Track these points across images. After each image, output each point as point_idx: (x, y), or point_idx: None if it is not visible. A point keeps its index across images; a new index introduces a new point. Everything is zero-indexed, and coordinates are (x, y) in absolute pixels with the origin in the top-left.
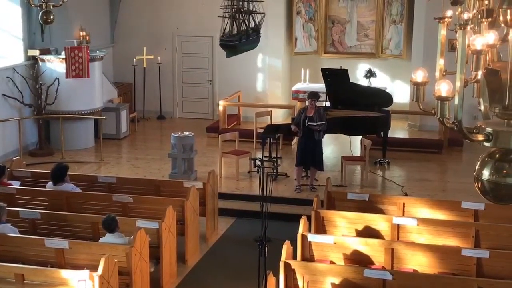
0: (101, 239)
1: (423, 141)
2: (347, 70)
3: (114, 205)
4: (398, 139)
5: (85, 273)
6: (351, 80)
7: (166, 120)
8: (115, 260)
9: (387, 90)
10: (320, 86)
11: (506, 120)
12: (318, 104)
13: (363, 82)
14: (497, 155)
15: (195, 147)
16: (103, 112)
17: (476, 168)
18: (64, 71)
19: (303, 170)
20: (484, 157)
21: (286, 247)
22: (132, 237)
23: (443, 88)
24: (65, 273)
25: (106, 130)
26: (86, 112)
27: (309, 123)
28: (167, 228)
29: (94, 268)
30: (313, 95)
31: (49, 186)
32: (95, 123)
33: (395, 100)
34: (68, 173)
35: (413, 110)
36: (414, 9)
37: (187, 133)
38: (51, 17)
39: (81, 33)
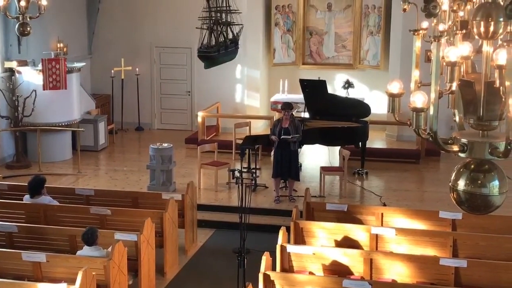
0: (79, 252)
1: (401, 151)
2: (325, 81)
3: (92, 217)
4: (376, 150)
5: (63, 286)
6: (329, 91)
7: (144, 132)
8: (93, 273)
9: (365, 101)
10: (298, 97)
11: (480, 131)
12: (297, 115)
13: (341, 93)
14: (472, 166)
15: (174, 159)
16: (80, 124)
17: (452, 178)
18: (41, 83)
19: (282, 181)
20: (460, 168)
21: (265, 258)
22: (110, 250)
23: (418, 99)
24: (42, 287)
25: (84, 142)
26: (63, 124)
27: (283, 136)
28: (145, 240)
29: (71, 281)
30: (287, 106)
31: (26, 199)
32: (72, 135)
33: (373, 110)
34: (45, 185)
35: (391, 121)
36: (391, 20)
37: (165, 144)
38: (28, 29)
39: (58, 44)
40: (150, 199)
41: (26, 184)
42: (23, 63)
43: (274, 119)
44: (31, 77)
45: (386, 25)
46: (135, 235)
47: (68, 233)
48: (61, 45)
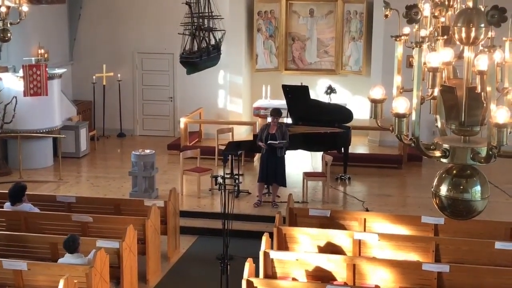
0: (60, 260)
1: (383, 157)
2: (307, 86)
3: (73, 225)
4: (359, 155)
5: None
6: (311, 97)
7: (126, 138)
8: (75, 281)
9: (347, 106)
10: (281, 102)
11: (462, 136)
12: (280, 120)
13: (324, 98)
14: (454, 171)
15: (156, 165)
16: (62, 131)
17: (434, 184)
18: (22, 89)
19: (265, 186)
20: (442, 173)
21: (248, 265)
22: (91, 257)
23: (400, 105)
24: None
25: (65, 149)
26: (44, 130)
27: (270, 141)
28: (127, 247)
29: None
30: (276, 113)
31: (7, 206)
32: (53, 142)
33: (355, 116)
34: (26, 193)
35: (373, 126)
36: (373, 26)
37: (147, 151)
38: (9, 35)
39: (39, 50)
40: (132, 206)
41: (7, 191)
42: (3, 69)
43: (257, 125)
44: (11, 83)
45: (368, 30)
46: (117, 242)
47: (50, 240)
48: (42, 51)
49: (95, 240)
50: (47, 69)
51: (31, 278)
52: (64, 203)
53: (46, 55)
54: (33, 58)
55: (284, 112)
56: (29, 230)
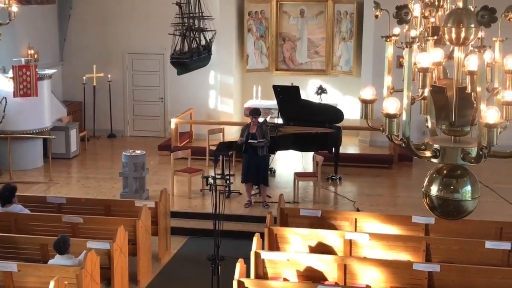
0: (50, 261)
1: (374, 157)
2: (298, 87)
3: (64, 226)
4: (350, 155)
5: None
6: (302, 97)
7: (117, 139)
8: (65, 282)
9: (338, 107)
10: (272, 103)
11: (452, 137)
12: (271, 121)
13: (314, 98)
14: (445, 171)
15: (147, 166)
16: (52, 131)
17: (424, 184)
18: (12, 90)
19: (256, 187)
20: (432, 173)
21: (239, 265)
22: (82, 258)
23: (390, 105)
24: None
25: (55, 150)
26: (34, 131)
27: (249, 141)
28: (118, 248)
29: None
30: (254, 112)
31: None
32: (44, 143)
33: (346, 116)
34: (16, 194)
35: (364, 126)
36: (363, 26)
37: (138, 151)
38: None
39: (29, 51)
40: (123, 206)
41: None
42: None
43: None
44: (1, 84)
45: (358, 31)
46: (107, 243)
47: (40, 242)
48: (32, 51)
49: (86, 241)
50: (37, 69)
51: (21, 280)
52: (54, 204)
53: (36, 56)
54: (23, 59)
55: (275, 113)
56: (19, 231)
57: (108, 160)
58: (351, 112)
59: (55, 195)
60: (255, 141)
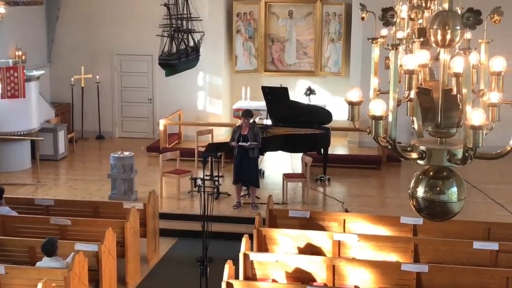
0: (38, 263)
1: (362, 158)
2: (287, 88)
3: (51, 228)
4: (338, 156)
5: None
6: (291, 98)
7: (105, 140)
8: (53, 285)
9: (327, 108)
10: (261, 104)
11: (439, 138)
12: (260, 122)
13: (303, 99)
14: (431, 173)
15: (135, 167)
16: (39, 133)
17: (411, 185)
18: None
19: (245, 188)
20: (419, 175)
21: (228, 267)
22: (70, 260)
23: (376, 107)
24: None
25: (43, 151)
26: (22, 133)
27: (240, 143)
28: (106, 250)
29: None
30: (247, 114)
31: None
32: (31, 144)
33: (334, 117)
34: (3, 196)
35: (352, 127)
36: (351, 27)
37: (126, 153)
38: None
39: (16, 52)
40: (111, 208)
41: None
42: None
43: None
44: None
45: (347, 32)
46: (96, 245)
47: (27, 244)
48: (20, 53)
49: (74, 243)
50: (24, 71)
51: (9, 282)
52: (42, 206)
53: (23, 57)
54: (10, 60)
55: (264, 114)
56: (7, 234)
57: (96, 161)
58: (340, 113)
59: (43, 197)
60: (247, 144)
